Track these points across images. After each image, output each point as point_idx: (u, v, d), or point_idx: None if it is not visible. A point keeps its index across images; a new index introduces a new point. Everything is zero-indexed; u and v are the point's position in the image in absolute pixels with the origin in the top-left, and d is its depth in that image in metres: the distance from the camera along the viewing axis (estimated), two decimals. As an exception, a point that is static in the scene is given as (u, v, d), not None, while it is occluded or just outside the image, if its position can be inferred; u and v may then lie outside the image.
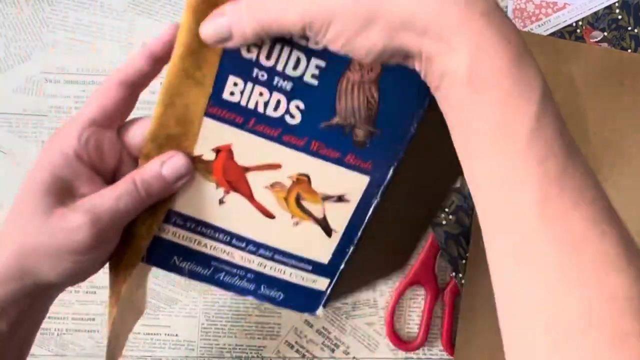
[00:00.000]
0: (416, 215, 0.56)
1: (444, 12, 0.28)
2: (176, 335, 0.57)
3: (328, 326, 0.58)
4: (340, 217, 0.40)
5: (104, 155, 0.37)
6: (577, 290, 0.27)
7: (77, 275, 0.38)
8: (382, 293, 0.58)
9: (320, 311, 0.43)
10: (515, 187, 0.28)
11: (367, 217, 0.40)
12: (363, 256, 0.44)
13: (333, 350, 0.58)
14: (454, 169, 0.33)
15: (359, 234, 0.41)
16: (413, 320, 0.59)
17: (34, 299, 0.38)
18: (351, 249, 0.41)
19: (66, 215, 0.35)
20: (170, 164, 0.36)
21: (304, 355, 0.58)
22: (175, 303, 0.57)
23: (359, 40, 0.30)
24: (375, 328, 0.58)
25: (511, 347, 0.31)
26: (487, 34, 0.28)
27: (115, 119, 0.37)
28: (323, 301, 0.43)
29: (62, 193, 0.35)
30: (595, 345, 0.27)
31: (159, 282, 0.57)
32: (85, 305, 0.57)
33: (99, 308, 0.57)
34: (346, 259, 0.42)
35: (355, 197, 0.40)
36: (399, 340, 0.58)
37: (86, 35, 0.57)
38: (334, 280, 0.42)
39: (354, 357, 0.58)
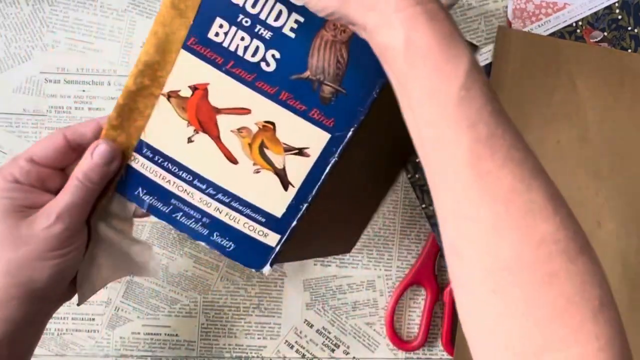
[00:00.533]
0: (367, 193, 0.56)
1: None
2: (176, 335, 0.57)
3: (328, 326, 0.58)
4: (298, 171, 0.42)
5: (46, 183, 0.42)
6: (508, 238, 0.31)
7: (65, 271, 0.40)
8: (382, 293, 0.58)
9: (267, 269, 0.44)
10: (451, 150, 0.32)
11: (323, 175, 0.42)
12: (315, 223, 0.45)
13: (333, 350, 0.58)
14: (405, 150, 0.35)
15: (314, 192, 0.43)
16: (413, 320, 0.59)
17: (32, 316, 0.40)
18: (304, 206, 0.43)
19: (34, 221, 0.39)
20: (97, 151, 0.40)
21: (304, 355, 0.58)
22: (175, 303, 0.57)
23: None
24: (375, 328, 0.58)
25: (458, 296, 0.34)
26: (420, 17, 0.32)
27: (54, 161, 0.42)
28: (271, 259, 0.44)
29: (21, 210, 0.40)
30: (527, 285, 0.30)
31: (159, 282, 0.57)
32: (85, 305, 0.56)
33: (99, 308, 0.57)
34: (299, 216, 0.43)
35: (315, 153, 0.42)
36: (399, 340, 0.58)
37: (86, 35, 0.57)
38: (284, 238, 0.44)
39: (354, 357, 0.58)
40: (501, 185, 0.31)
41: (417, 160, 0.57)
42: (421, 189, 0.58)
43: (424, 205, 0.58)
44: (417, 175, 0.58)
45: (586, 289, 0.31)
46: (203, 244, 0.44)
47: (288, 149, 0.42)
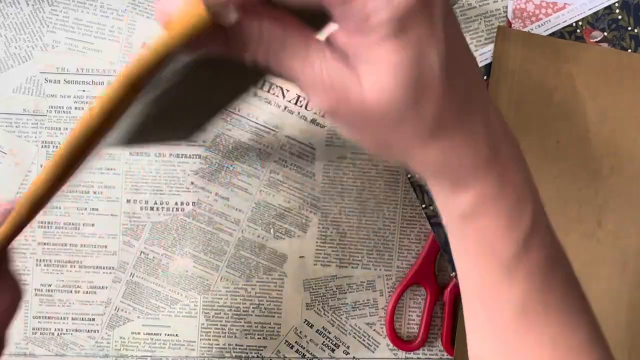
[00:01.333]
0: (220, 87, 0.45)
1: (458, 167, 0.31)
2: (176, 335, 0.57)
3: (328, 326, 0.58)
4: None
5: None
6: None
7: None
8: (382, 293, 0.58)
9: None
10: (501, 298, 0.33)
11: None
12: (159, 105, 0.37)
13: (333, 350, 0.58)
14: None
15: None
16: (413, 320, 0.59)
17: None
18: None
19: None
20: None
21: (304, 355, 0.58)
22: (175, 303, 0.57)
23: (389, 156, 0.32)
24: (375, 328, 0.58)
25: None
26: (491, 185, 0.32)
27: None
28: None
29: None
30: None
31: (159, 282, 0.57)
32: (85, 305, 0.57)
33: (99, 308, 0.57)
34: None
35: None
36: (399, 340, 0.58)
37: (86, 35, 0.57)
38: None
39: (354, 357, 0.58)
40: (546, 332, 0.33)
41: (417, 160, 0.57)
42: (421, 189, 0.58)
43: (424, 205, 0.58)
44: (417, 176, 0.58)
45: None
46: None
47: None
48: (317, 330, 0.58)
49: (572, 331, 0.33)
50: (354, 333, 0.58)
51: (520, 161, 0.34)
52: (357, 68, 0.28)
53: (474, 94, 0.31)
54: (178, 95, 0.39)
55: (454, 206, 0.33)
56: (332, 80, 0.28)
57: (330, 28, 0.30)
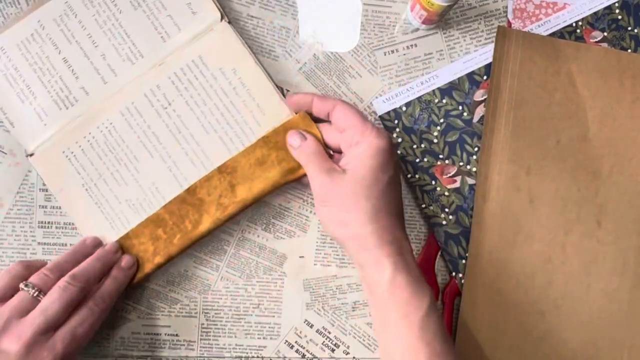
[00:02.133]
0: None
1: (380, 244, 0.48)
2: (176, 335, 0.57)
3: (328, 326, 0.58)
4: None
5: None
6: None
7: None
8: (382, 293, 0.58)
9: None
10: (413, 357, 0.46)
11: None
12: None
13: (333, 350, 0.58)
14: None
15: None
16: (413, 320, 0.59)
17: None
18: None
19: None
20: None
21: (304, 355, 0.58)
22: (175, 303, 0.57)
23: (333, 227, 0.51)
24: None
25: None
26: (400, 264, 0.48)
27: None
28: None
29: None
30: None
31: (159, 282, 0.57)
32: (85, 305, 0.57)
33: (99, 308, 0.57)
34: None
35: None
36: (399, 340, 0.58)
37: (86, 35, 0.57)
38: None
39: (354, 357, 0.58)
40: None
41: (416, 160, 0.58)
42: (421, 189, 0.58)
43: (423, 205, 0.58)
44: (416, 176, 0.58)
45: None
46: None
47: None
48: (317, 330, 0.58)
49: None
50: (354, 333, 0.58)
51: (412, 256, 0.50)
52: (345, 166, 0.51)
53: (397, 203, 0.51)
54: None
55: (378, 281, 0.48)
56: (323, 163, 0.52)
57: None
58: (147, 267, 0.54)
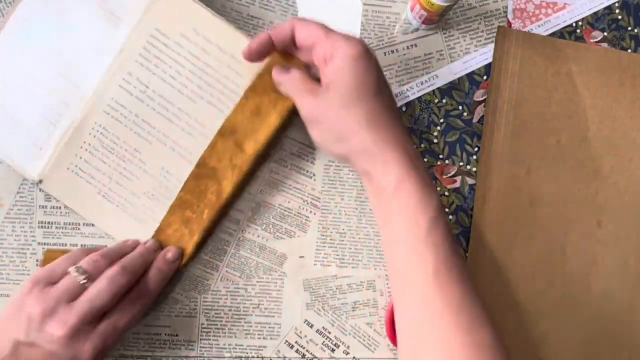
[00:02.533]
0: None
1: (384, 150, 0.46)
2: (176, 335, 0.57)
3: (328, 326, 0.58)
4: None
5: None
6: (461, 339, 0.43)
7: None
8: (382, 293, 0.58)
9: None
10: (419, 264, 0.44)
11: None
12: None
13: (333, 350, 0.58)
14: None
15: None
16: (413, 320, 0.59)
17: None
18: None
19: None
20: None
21: (304, 355, 0.58)
22: (175, 303, 0.57)
23: (331, 146, 0.48)
24: (375, 328, 0.58)
25: None
26: (408, 166, 0.46)
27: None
28: None
29: None
30: None
31: (159, 282, 0.57)
32: (85, 305, 0.57)
33: (99, 308, 0.57)
34: None
35: None
36: (399, 340, 0.58)
37: (86, 35, 0.57)
38: None
39: (354, 357, 0.58)
40: (454, 295, 0.43)
41: (417, 160, 0.58)
42: (421, 189, 0.58)
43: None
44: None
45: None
46: None
47: None
48: (317, 330, 0.58)
49: (471, 303, 0.44)
50: (354, 333, 0.58)
51: (421, 160, 0.48)
52: (326, 82, 0.48)
53: (393, 107, 0.48)
54: None
55: (384, 185, 0.46)
56: (305, 86, 0.49)
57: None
58: (188, 250, 0.55)
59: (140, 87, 0.55)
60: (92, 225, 0.56)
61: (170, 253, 0.54)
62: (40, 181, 0.55)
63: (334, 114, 0.46)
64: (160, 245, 0.55)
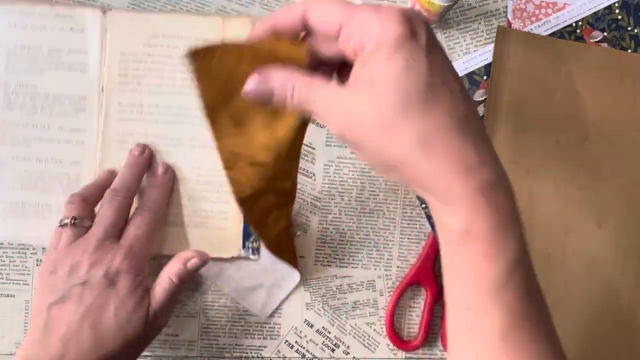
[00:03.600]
0: None
1: (448, 183, 0.34)
2: (176, 335, 0.57)
3: (328, 326, 0.58)
4: None
5: None
6: None
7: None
8: (382, 293, 0.58)
9: None
10: (484, 323, 0.35)
11: None
12: None
13: (333, 350, 0.58)
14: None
15: None
16: (413, 320, 0.59)
17: None
18: None
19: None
20: (192, 262, 0.51)
21: (304, 355, 0.58)
22: (175, 303, 0.57)
23: (384, 173, 0.40)
24: (375, 328, 0.58)
25: None
26: (480, 205, 0.33)
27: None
28: None
29: None
30: None
31: (159, 282, 0.57)
32: (85, 305, 0.57)
33: (99, 308, 0.57)
34: None
35: None
36: (399, 340, 0.58)
37: (86, 35, 0.57)
38: None
39: (354, 357, 0.58)
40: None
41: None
42: (421, 189, 0.58)
43: (423, 205, 0.58)
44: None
45: None
46: None
47: None
48: (317, 330, 0.58)
49: None
50: (354, 333, 0.58)
51: (508, 187, 0.35)
52: (356, 87, 0.35)
53: (461, 113, 0.34)
54: None
55: (447, 224, 0.35)
56: (336, 103, 0.35)
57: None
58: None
59: (136, 109, 0.55)
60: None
61: (160, 167, 0.55)
62: None
63: (373, 134, 0.34)
64: (149, 151, 0.55)
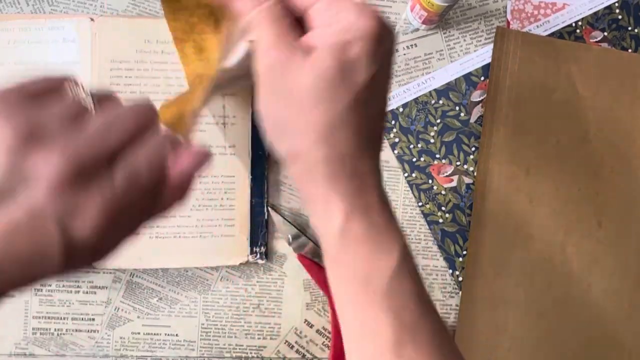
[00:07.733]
0: None
1: (335, 182, 0.33)
2: (176, 335, 0.57)
3: (328, 326, 0.58)
4: None
5: None
6: None
7: None
8: (382, 293, 0.58)
9: None
10: (375, 335, 0.33)
11: None
12: None
13: (333, 351, 0.58)
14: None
15: None
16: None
17: None
18: None
19: None
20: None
21: (304, 355, 0.58)
22: (175, 303, 0.57)
23: (273, 134, 0.35)
24: (375, 328, 0.58)
25: None
26: (358, 208, 0.33)
27: None
28: None
29: None
30: None
31: (159, 282, 0.57)
32: (85, 305, 0.57)
33: (99, 308, 0.57)
34: None
35: None
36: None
37: (87, 36, 0.57)
38: None
39: (353, 358, 0.58)
40: None
41: (413, 160, 0.58)
42: (418, 188, 0.58)
43: (420, 204, 0.58)
44: (413, 174, 0.58)
45: None
46: None
47: None
48: (317, 330, 0.58)
49: None
50: (354, 333, 0.58)
51: (388, 206, 0.35)
52: (316, 30, 0.34)
53: (374, 134, 0.35)
54: None
55: (328, 227, 0.34)
56: (283, 26, 0.34)
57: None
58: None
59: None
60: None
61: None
62: None
63: (294, 95, 0.33)
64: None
